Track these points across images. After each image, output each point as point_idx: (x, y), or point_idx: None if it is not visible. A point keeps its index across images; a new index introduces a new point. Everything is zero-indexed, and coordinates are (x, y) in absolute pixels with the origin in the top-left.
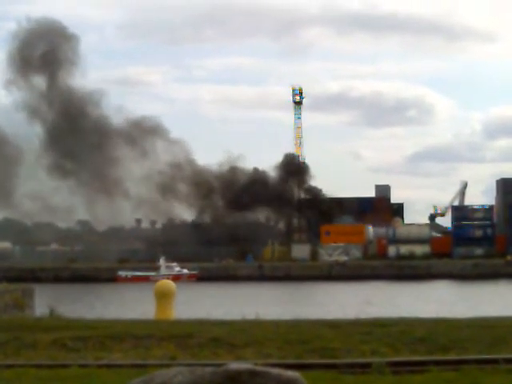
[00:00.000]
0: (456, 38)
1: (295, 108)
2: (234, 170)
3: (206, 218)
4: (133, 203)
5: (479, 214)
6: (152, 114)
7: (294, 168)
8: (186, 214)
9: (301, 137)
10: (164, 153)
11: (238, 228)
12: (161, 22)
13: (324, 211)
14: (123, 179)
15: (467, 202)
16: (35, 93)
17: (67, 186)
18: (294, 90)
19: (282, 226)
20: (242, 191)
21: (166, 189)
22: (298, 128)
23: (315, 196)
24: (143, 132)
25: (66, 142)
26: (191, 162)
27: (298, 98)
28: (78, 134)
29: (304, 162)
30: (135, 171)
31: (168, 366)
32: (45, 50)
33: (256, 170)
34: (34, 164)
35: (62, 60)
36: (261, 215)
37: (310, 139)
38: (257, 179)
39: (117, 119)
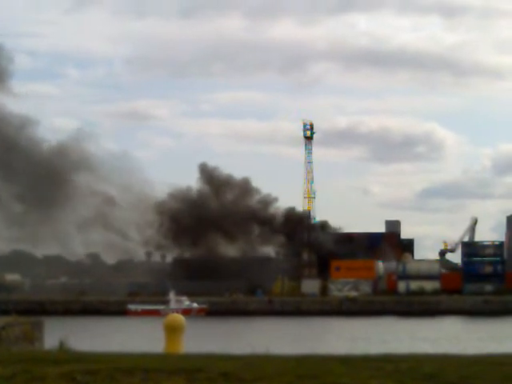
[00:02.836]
0: (464, 74)
1: (306, 143)
2: (161, 204)
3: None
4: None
5: (489, 251)
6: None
7: (209, 178)
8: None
9: (311, 172)
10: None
11: (247, 262)
12: (169, 56)
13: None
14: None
15: (477, 238)
16: None
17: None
18: (304, 125)
19: (285, 259)
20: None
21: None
22: (308, 163)
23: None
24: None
25: (6, 174)
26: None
27: (308, 132)
28: (16, 165)
29: (247, 178)
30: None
31: None
32: None
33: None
34: None
35: None
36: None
37: (320, 174)
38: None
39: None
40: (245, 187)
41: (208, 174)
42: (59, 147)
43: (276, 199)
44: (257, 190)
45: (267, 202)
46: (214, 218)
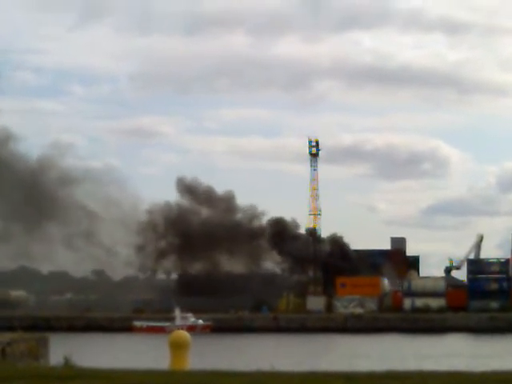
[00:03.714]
0: (468, 92)
1: (311, 160)
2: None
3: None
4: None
5: (495, 268)
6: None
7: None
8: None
9: (317, 189)
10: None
11: (253, 279)
12: (173, 72)
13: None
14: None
15: (483, 255)
16: None
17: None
18: (310, 142)
19: (290, 276)
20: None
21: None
22: (313, 180)
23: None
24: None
25: None
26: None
27: (314, 149)
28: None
29: (230, 191)
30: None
31: None
32: None
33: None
34: None
35: None
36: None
37: (325, 192)
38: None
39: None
40: (228, 201)
41: (187, 188)
42: (39, 162)
43: (263, 213)
44: (238, 206)
45: (253, 215)
46: (197, 234)
